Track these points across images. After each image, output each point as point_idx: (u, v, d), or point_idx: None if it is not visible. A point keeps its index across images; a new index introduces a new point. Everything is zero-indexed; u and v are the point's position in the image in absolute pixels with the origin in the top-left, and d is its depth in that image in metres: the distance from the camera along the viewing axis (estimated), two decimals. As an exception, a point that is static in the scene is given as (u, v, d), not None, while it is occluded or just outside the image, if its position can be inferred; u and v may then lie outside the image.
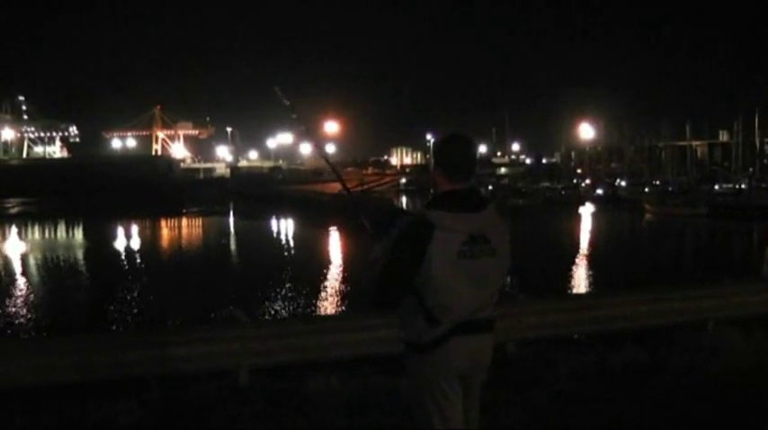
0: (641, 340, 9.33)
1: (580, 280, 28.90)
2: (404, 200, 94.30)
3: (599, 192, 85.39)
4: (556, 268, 30.37)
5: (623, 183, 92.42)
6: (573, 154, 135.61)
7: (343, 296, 24.03)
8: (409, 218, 3.83)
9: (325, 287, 25.65)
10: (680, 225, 52.60)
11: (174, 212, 68.74)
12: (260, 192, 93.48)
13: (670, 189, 78.57)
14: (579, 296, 20.26)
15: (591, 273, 30.13)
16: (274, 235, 53.37)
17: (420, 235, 3.65)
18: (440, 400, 3.82)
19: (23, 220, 70.70)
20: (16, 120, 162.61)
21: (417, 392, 3.89)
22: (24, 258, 39.86)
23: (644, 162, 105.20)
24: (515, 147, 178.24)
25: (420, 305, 3.74)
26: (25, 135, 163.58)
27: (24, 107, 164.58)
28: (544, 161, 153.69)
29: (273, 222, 62.48)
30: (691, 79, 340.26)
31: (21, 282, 30.84)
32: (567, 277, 28.65)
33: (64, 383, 7.27)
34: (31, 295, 27.02)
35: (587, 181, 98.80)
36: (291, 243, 46.72)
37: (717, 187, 79.51)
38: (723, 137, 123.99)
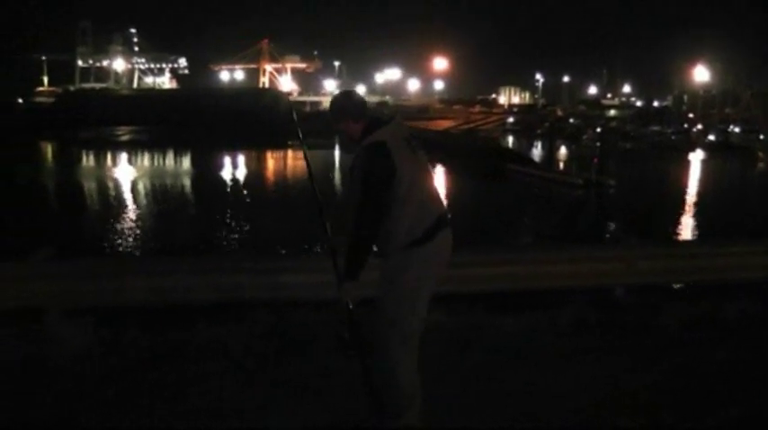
0: (756, 292, 9.00)
1: (689, 227, 28.25)
2: (510, 139, 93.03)
3: (710, 138, 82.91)
4: (664, 214, 29.79)
5: (736, 130, 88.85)
6: (685, 98, 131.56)
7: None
8: (364, 148, 4.58)
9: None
10: (795, 175, 50.87)
11: (280, 145, 69.33)
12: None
13: (786, 138, 75.90)
14: (693, 243, 19.54)
15: (700, 221, 29.40)
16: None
17: (382, 152, 4.46)
18: (422, 293, 4.65)
19: (133, 148, 72.57)
20: (127, 52, 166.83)
21: (405, 281, 4.56)
22: (134, 184, 40.92)
23: (760, 108, 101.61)
24: (626, 89, 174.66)
25: (407, 208, 4.48)
26: (136, 66, 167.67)
27: (135, 39, 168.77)
28: (655, 104, 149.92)
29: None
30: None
31: (131, 205, 31.70)
32: (676, 224, 28.06)
33: (174, 304, 7.38)
34: (141, 218, 27.73)
35: (699, 126, 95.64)
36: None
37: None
38: None
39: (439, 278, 4.85)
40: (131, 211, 29.85)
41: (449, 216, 4.74)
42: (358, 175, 4.53)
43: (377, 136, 4.56)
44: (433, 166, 48.87)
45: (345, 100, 4.93)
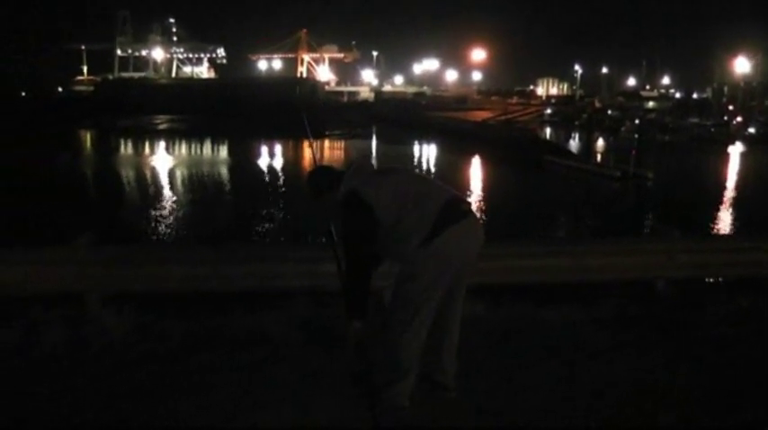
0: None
1: (727, 221, 27.94)
2: (547, 130, 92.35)
3: (750, 131, 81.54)
4: (702, 207, 29.50)
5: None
6: (725, 89, 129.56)
7: (483, 225, 23.89)
8: (340, 202, 4.81)
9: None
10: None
11: (317, 134, 69.46)
12: (403, 117, 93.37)
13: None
14: (734, 237, 19.31)
15: (739, 214, 29.05)
16: (416, 160, 53.12)
17: (354, 198, 4.73)
18: (437, 291, 4.79)
19: (171, 136, 73.04)
20: (166, 42, 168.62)
21: (418, 273, 4.71)
22: (173, 172, 41.24)
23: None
24: (665, 80, 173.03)
25: (405, 221, 4.70)
26: (174, 56, 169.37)
27: (174, 29, 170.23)
28: (694, 96, 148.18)
29: (415, 147, 62.36)
30: None
31: (169, 193, 31.95)
32: (715, 217, 27.77)
33: (211, 292, 7.43)
34: (180, 206, 27.96)
35: (738, 119, 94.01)
36: (432, 169, 46.56)
37: None
38: None
39: (468, 270, 5.05)
40: (169, 199, 30.08)
41: (462, 207, 4.92)
42: (341, 228, 4.83)
43: (344, 187, 4.84)
44: (470, 157, 48.93)
45: (315, 178, 5.17)
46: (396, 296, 4.90)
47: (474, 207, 27.21)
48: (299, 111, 6.49)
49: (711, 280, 10.26)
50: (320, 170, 5.22)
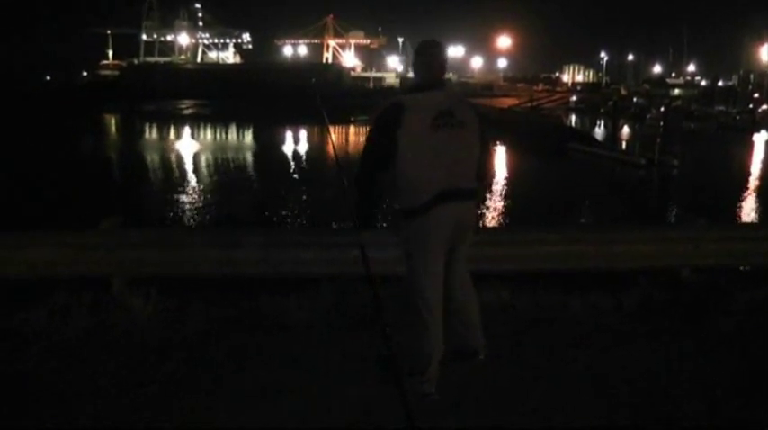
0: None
1: (752, 209, 27.71)
2: (573, 117, 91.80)
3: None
4: (727, 195, 29.30)
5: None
6: (752, 77, 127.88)
7: (507, 212, 23.85)
8: (384, 105, 4.81)
9: (489, 201, 25.43)
10: None
11: (343, 120, 69.33)
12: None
13: None
14: (761, 225, 19.12)
15: (763, 203, 28.78)
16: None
17: (393, 111, 4.69)
18: (429, 257, 4.81)
19: (196, 121, 73.21)
20: (192, 27, 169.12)
21: (412, 251, 4.86)
22: (198, 156, 41.42)
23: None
24: (691, 67, 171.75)
25: (406, 178, 4.71)
26: (200, 41, 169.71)
27: (200, 14, 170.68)
28: (720, 84, 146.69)
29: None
30: None
31: (193, 177, 32.08)
32: (739, 206, 27.57)
33: (237, 277, 7.44)
34: (205, 190, 28.08)
35: (764, 106, 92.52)
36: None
37: None
38: None
39: (462, 248, 5.09)
40: (195, 183, 30.20)
41: (466, 189, 4.87)
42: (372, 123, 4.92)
43: (399, 99, 4.80)
44: (494, 143, 48.71)
45: (418, 50, 5.07)
46: (407, 275, 5.02)
47: (497, 194, 27.18)
48: (315, 97, 6.45)
49: (738, 268, 10.21)
50: (429, 51, 5.03)
